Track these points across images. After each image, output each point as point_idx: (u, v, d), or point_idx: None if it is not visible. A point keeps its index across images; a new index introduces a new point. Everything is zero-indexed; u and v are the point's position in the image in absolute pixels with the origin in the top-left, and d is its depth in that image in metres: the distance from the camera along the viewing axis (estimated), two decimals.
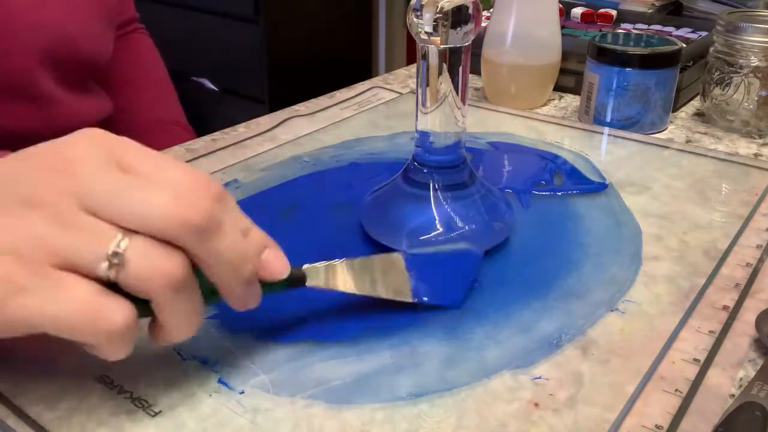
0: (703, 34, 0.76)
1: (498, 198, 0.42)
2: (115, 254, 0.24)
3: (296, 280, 0.32)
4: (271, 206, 0.46)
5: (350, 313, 0.35)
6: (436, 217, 0.39)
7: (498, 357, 0.32)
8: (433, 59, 0.37)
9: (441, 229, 0.39)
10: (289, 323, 0.35)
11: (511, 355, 0.32)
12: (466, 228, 0.39)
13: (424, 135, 0.39)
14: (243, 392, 0.30)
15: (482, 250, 0.39)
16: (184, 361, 0.32)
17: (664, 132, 0.62)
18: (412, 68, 0.79)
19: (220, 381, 0.31)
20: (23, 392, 0.30)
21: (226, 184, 0.49)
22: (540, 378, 0.31)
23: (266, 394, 0.30)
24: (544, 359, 0.32)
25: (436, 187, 0.40)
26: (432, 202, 0.40)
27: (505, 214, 0.42)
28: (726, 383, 0.31)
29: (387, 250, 0.39)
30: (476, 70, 0.76)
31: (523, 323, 0.35)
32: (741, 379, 0.31)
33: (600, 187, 0.49)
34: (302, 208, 0.46)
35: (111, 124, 0.69)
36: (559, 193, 0.48)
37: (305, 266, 0.33)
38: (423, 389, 0.30)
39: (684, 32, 0.77)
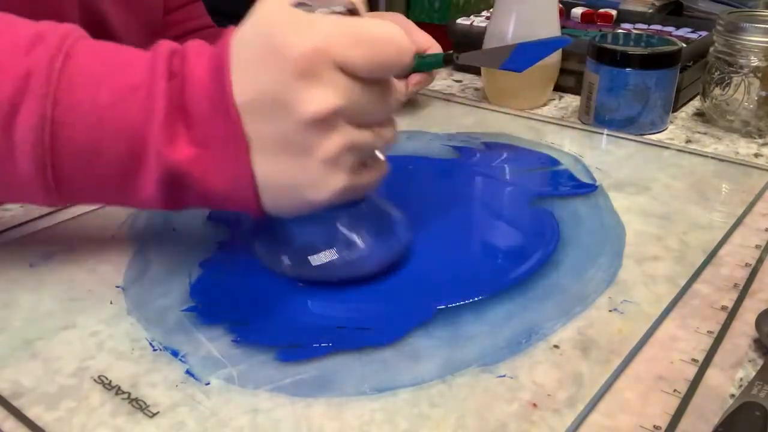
0: (703, 34, 0.76)
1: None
2: None
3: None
4: None
5: (326, 313, 0.36)
6: None
7: (497, 356, 0.32)
8: None
9: None
10: (273, 322, 0.35)
11: (511, 355, 0.32)
12: None
13: None
14: (209, 383, 0.31)
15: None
16: (154, 353, 0.32)
17: (664, 132, 0.62)
18: None
19: (187, 372, 0.31)
20: (22, 394, 0.30)
21: None
22: (539, 378, 0.31)
23: (232, 385, 0.30)
24: (543, 359, 0.32)
25: None
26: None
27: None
28: (725, 383, 0.31)
29: None
30: (476, 70, 0.76)
31: (524, 323, 0.35)
32: (741, 379, 0.31)
33: (591, 188, 0.49)
34: None
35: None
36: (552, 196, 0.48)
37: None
38: (421, 386, 0.30)
39: (684, 32, 0.77)
